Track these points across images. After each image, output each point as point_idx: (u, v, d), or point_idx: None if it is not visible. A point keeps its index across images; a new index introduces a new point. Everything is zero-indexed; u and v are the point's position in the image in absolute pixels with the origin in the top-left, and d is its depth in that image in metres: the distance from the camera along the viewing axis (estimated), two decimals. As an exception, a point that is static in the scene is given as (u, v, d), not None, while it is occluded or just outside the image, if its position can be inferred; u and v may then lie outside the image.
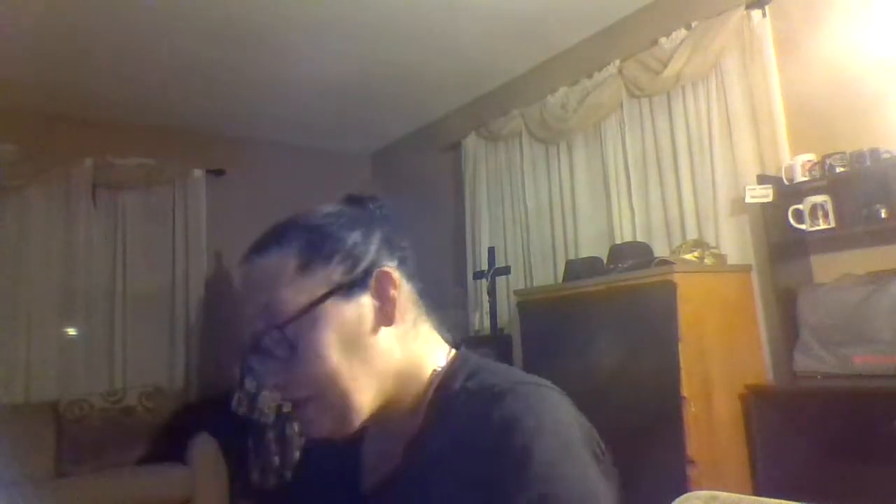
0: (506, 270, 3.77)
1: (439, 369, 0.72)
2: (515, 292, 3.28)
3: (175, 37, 3.26)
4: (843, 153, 2.37)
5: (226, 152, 4.57)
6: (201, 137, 4.53)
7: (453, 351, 0.76)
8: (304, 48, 3.42)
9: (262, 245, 0.70)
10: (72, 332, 4.00)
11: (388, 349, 0.69)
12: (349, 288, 0.68)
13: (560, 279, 3.16)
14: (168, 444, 3.62)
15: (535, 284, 3.70)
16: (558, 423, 0.63)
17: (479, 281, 3.96)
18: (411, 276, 0.73)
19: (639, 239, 3.14)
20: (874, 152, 2.29)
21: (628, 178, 3.28)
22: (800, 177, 2.48)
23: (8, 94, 3.71)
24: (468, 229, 4.23)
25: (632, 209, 3.26)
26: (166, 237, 4.35)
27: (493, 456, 0.60)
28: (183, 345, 4.25)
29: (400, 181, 5.03)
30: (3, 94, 3.71)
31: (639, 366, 2.36)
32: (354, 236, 0.70)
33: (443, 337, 0.76)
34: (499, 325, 3.66)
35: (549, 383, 0.68)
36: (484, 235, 4.11)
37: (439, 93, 4.18)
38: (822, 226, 2.40)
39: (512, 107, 3.94)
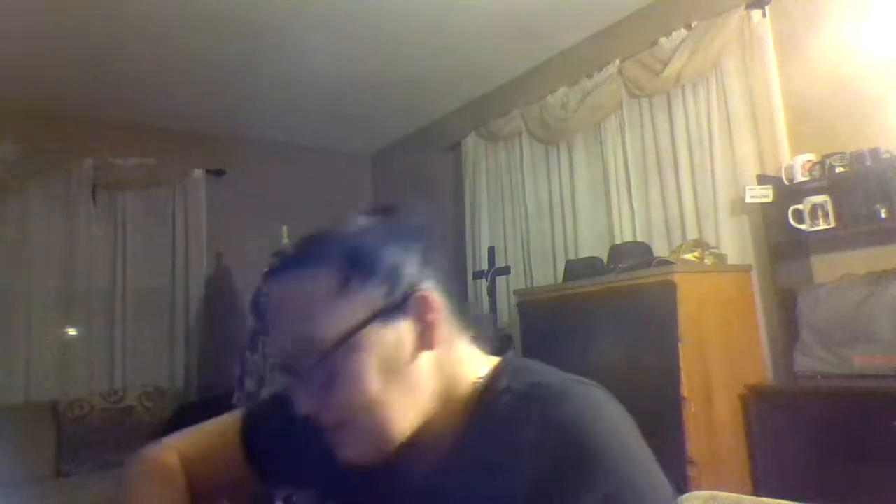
0: (506, 270, 3.77)
1: (480, 379, 0.69)
2: (515, 292, 3.28)
3: (175, 37, 3.26)
4: (843, 153, 2.37)
5: (226, 152, 4.56)
6: (201, 137, 4.53)
7: (494, 359, 0.73)
8: (305, 48, 3.42)
9: (297, 262, 0.66)
10: (72, 332, 4.00)
11: (427, 373, 0.66)
12: (389, 312, 0.64)
13: (560, 279, 3.16)
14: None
15: (535, 284, 3.71)
16: (618, 420, 0.63)
17: (479, 281, 3.96)
18: (447, 293, 0.69)
19: (639, 239, 3.14)
20: (874, 152, 2.29)
21: (628, 178, 3.28)
22: (800, 177, 2.48)
23: (8, 93, 3.71)
24: (468, 229, 4.23)
25: (632, 209, 3.26)
26: (166, 237, 4.34)
27: (555, 456, 0.59)
28: (183, 345, 4.25)
29: (400, 181, 5.03)
30: (4, 94, 3.71)
31: (639, 366, 2.36)
32: (393, 254, 0.66)
33: (479, 348, 0.73)
34: (499, 325, 3.66)
35: (595, 383, 0.67)
36: (484, 235, 4.11)
37: (439, 93, 4.18)
38: (822, 226, 2.40)
39: (512, 107, 3.94)
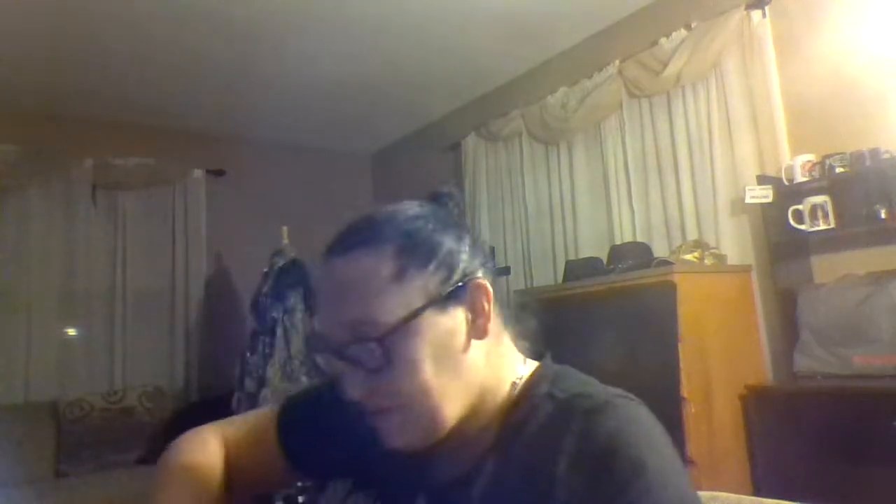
0: (506, 270, 3.77)
1: (519, 380, 0.69)
2: (515, 292, 3.28)
3: (176, 37, 3.26)
4: (843, 153, 2.37)
5: (226, 152, 4.57)
6: (201, 137, 4.53)
7: (533, 362, 0.73)
8: (305, 48, 3.42)
9: (351, 244, 0.65)
10: (72, 331, 4.00)
11: (476, 363, 0.66)
12: (446, 299, 0.64)
13: (560, 279, 3.16)
14: (168, 444, 3.61)
15: (535, 284, 3.70)
16: (658, 437, 0.62)
17: (479, 281, 3.96)
18: (494, 283, 0.69)
19: (639, 239, 3.14)
20: (874, 152, 2.29)
21: (628, 178, 3.28)
22: (800, 177, 2.48)
23: (8, 94, 3.72)
24: (468, 229, 4.23)
25: (632, 209, 3.26)
26: (166, 237, 4.34)
27: (593, 469, 0.58)
28: (183, 345, 4.25)
29: (400, 181, 5.03)
30: (3, 94, 3.71)
31: (639, 366, 2.36)
32: (449, 242, 0.66)
33: (518, 347, 0.73)
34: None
35: (635, 398, 0.66)
36: (484, 235, 4.11)
37: (439, 93, 4.18)
38: (822, 226, 2.41)
39: (512, 107, 3.94)
